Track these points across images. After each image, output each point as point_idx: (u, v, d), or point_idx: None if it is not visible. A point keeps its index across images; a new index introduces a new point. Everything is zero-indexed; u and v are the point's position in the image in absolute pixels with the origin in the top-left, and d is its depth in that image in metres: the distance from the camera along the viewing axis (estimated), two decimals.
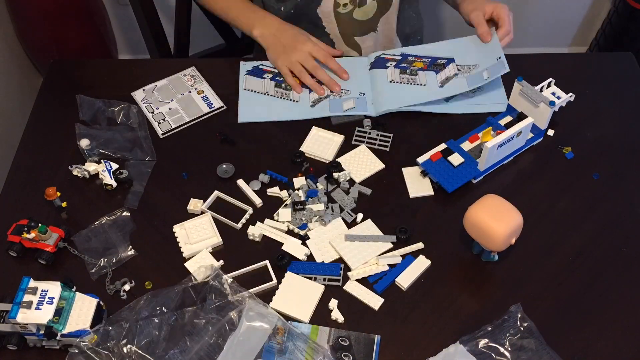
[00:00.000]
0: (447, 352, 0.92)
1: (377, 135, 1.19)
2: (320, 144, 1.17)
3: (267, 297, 0.98)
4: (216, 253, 1.04)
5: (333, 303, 0.97)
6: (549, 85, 1.19)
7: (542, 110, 1.14)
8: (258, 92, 1.26)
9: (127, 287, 0.99)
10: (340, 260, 1.02)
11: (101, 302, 0.94)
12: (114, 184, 1.10)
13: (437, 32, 2.33)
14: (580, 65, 1.34)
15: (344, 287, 0.99)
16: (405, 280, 0.99)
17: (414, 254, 1.03)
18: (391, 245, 1.04)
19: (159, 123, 1.20)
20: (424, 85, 1.23)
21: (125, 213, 1.08)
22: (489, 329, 0.93)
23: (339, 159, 1.15)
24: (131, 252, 1.04)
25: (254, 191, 1.09)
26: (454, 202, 1.09)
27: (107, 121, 1.21)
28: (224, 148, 1.18)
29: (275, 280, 1.00)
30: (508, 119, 1.16)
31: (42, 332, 0.89)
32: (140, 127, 1.20)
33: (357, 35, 1.37)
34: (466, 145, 1.13)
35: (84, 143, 1.16)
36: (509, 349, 0.91)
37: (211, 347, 0.91)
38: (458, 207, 1.05)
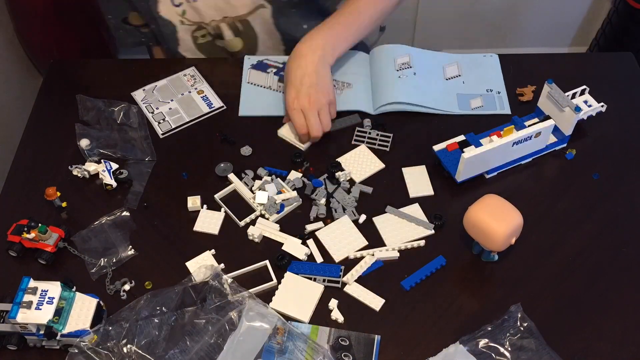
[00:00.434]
0: (447, 352, 0.92)
1: (377, 135, 1.19)
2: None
3: (267, 297, 0.98)
4: (217, 253, 1.04)
5: (333, 303, 0.97)
6: (582, 93, 1.18)
7: (567, 116, 1.11)
8: (261, 86, 1.26)
9: (127, 287, 0.99)
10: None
11: (101, 302, 0.94)
12: (114, 184, 1.11)
13: None
14: (580, 65, 1.34)
15: (344, 289, 0.99)
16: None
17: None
18: (431, 232, 1.05)
19: (159, 123, 1.20)
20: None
21: (125, 213, 1.08)
22: (489, 329, 0.93)
23: (338, 159, 1.15)
24: (131, 252, 1.04)
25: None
26: (454, 202, 1.09)
27: (107, 121, 1.21)
28: (224, 148, 1.18)
29: (275, 280, 1.00)
30: (534, 120, 1.15)
31: (42, 332, 0.89)
32: (140, 127, 1.20)
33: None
34: (486, 141, 1.11)
35: (84, 143, 1.16)
36: (509, 349, 0.91)
37: (211, 347, 0.91)
38: (458, 207, 1.05)
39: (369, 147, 1.17)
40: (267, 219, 1.07)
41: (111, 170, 1.11)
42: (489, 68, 1.29)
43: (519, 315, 0.94)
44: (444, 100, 1.22)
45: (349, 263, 1.03)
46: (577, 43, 2.43)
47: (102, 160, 1.13)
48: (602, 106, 1.16)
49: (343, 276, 1.00)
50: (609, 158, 1.15)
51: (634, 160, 1.16)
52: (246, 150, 1.17)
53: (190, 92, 1.26)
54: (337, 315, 0.96)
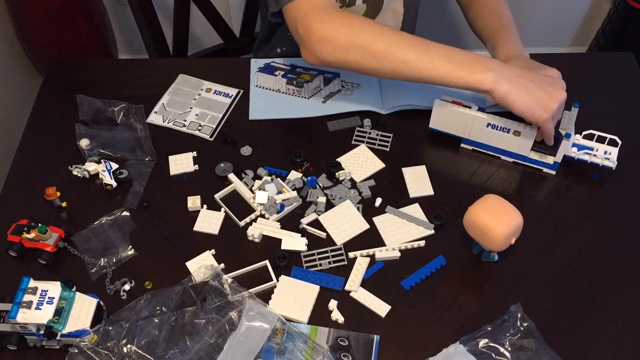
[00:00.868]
0: (447, 352, 0.92)
1: (377, 135, 1.19)
2: None
3: (267, 297, 0.98)
4: (217, 253, 1.04)
5: (333, 304, 0.97)
6: (613, 144, 1.10)
7: (563, 145, 1.09)
8: (270, 89, 1.26)
9: (127, 287, 0.99)
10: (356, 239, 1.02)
11: (101, 302, 0.94)
12: (114, 184, 1.10)
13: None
14: (580, 65, 1.34)
15: (350, 295, 0.99)
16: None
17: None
18: (431, 232, 1.05)
19: (199, 130, 1.20)
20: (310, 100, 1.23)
21: (125, 213, 1.08)
22: (489, 329, 0.93)
23: (339, 159, 1.15)
24: (131, 252, 1.04)
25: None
26: (454, 201, 1.09)
27: (107, 121, 1.21)
28: (225, 148, 1.18)
29: (275, 280, 1.00)
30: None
31: (42, 332, 0.89)
32: (140, 127, 1.20)
33: None
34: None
35: (84, 143, 1.16)
36: (509, 349, 0.91)
37: (211, 347, 0.91)
38: (458, 207, 1.05)
39: (369, 147, 1.17)
40: (267, 218, 1.07)
41: (111, 170, 1.11)
42: None
43: (519, 315, 0.93)
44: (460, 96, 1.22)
45: (351, 244, 1.04)
46: (577, 43, 2.43)
47: (102, 160, 1.13)
48: (614, 164, 1.10)
49: (345, 284, 1.00)
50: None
51: (634, 160, 1.15)
52: (246, 150, 1.17)
53: (199, 94, 1.26)
54: (337, 315, 0.96)
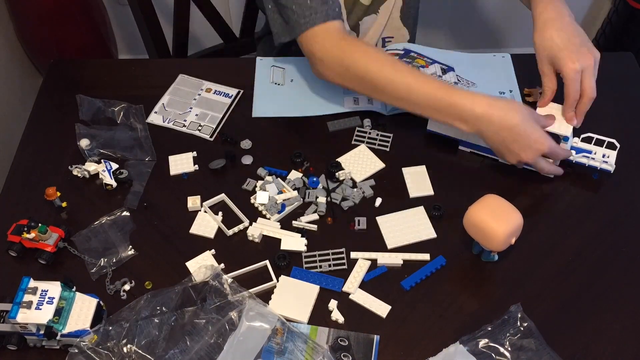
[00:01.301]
0: (447, 352, 0.92)
1: (377, 135, 1.19)
2: None
3: (267, 297, 0.98)
4: (216, 253, 1.04)
5: (333, 304, 0.97)
6: (612, 147, 1.10)
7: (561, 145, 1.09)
8: (277, 85, 1.26)
9: (127, 287, 0.99)
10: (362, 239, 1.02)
11: (101, 302, 0.94)
12: (114, 184, 1.10)
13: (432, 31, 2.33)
14: None
15: (350, 297, 0.99)
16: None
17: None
18: (433, 236, 1.05)
19: (199, 130, 1.20)
20: None
21: (125, 213, 1.08)
22: (489, 329, 0.93)
23: (339, 159, 1.15)
24: (131, 252, 1.04)
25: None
26: (454, 201, 1.09)
27: (107, 121, 1.21)
28: (225, 148, 1.17)
29: (275, 280, 1.00)
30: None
31: (42, 332, 0.89)
32: (140, 127, 1.20)
33: (359, 17, 1.33)
34: None
35: (84, 143, 1.16)
36: (509, 349, 0.91)
37: (211, 347, 0.91)
38: (458, 207, 1.05)
39: (369, 147, 1.17)
40: (269, 219, 1.07)
41: (111, 170, 1.11)
42: (500, 68, 1.29)
43: (519, 315, 0.93)
44: None
45: (353, 246, 1.04)
46: None
47: (102, 160, 1.13)
48: (612, 167, 1.10)
49: (343, 285, 1.00)
50: None
51: (634, 160, 1.15)
52: (246, 144, 1.17)
53: (199, 94, 1.26)
54: (337, 315, 0.96)
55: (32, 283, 0.90)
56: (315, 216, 1.07)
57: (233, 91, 1.27)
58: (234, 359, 0.90)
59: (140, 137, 1.18)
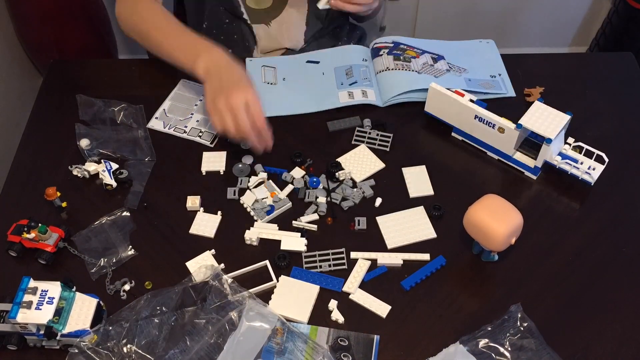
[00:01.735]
0: (447, 352, 0.92)
1: (377, 135, 1.19)
2: None
3: (267, 297, 0.98)
4: (216, 253, 1.04)
5: (333, 304, 0.97)
6: (600, 160, 1.09)
7: (543, 149, 1.08)
8: (272, 84, 1.26)
9: (127, 287, 0.99)
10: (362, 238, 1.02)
11: (101, 302, 0.94)
12: (114, 184, 1.10)
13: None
14: (580, 65, 1.34)
15: (350, 297, 0.99)
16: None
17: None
18: (433, 236, 1.05)
19: (200, 136, 1.19)
20: (419, 73, 1.24)
21: (125, 213, 1.08)
22: (489, 329, 0.93)
23: (338, 159, 1.15)
24: (131, 252, 1.04)
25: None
26: (454, 201, 1.09)
27: (107, 121, 1.21)
28: (226, 148, 1.17)
29: (275, 280, 1.00)
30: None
31: (42, 332, 0.89)
32: (140, 127, 1.20)
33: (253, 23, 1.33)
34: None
35: (84, 143, 1.16)
36: (509, 349, 0.91)
37: (211, 347, 0.91)
38: (458, 207, 1.05)
39: (368, 147, 1.17)
40: (256, 220, 1.07)
41: (111, 170, 1.11)
42: (487, 53, 1.32)
43: (519, 315, 0.93)
44: (450, 81, 1.23)
45: (353, 246, 1.04)
46: (577, 43, 2.43)
47: (102, 160, 1.13)
48: (593, 180, 1.09)
49: (344, 285, 1.00)
50: (608, 158, 1.15)
51: (634, 160, 1.15)
52: (246, 144, 1.17)
53: (201, 99, 1.26)
54: (337, 315, 0.96)
55: (32, 283, 0.90)
56: (315, 216, 1.07)
57: None
58: (234, 359, 0.90)
59: (140, 138, 1.18)
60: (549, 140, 1.05)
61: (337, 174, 1.11)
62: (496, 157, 1.15)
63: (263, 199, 1.08)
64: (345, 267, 1.02)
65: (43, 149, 1.18)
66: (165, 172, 1.14)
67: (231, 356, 0.90)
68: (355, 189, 1.11)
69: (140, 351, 0.90)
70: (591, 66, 1.33)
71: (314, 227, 1.06)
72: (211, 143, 1.19)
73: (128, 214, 1.08)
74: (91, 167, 1.12)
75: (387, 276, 1.01)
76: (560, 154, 1.11)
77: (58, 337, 0.90)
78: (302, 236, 1.04)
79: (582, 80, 1.28)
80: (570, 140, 1.11)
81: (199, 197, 1.09)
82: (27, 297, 0.89)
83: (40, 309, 0.88)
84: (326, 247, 1.04)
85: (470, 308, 0.97)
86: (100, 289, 0.99)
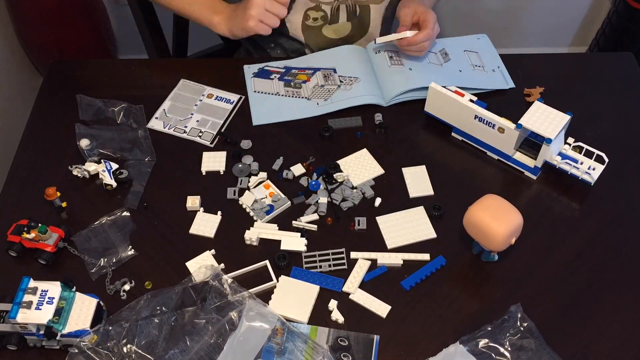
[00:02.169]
0: (447, 352, 0.92)
1: (378, 131, 1.19)
2: None
3: (267, 297, 0.98)
4: (216, 253, 1.04)
5: (333, 304, 0.97)
6: (600, 160, 1.09)
7: (543, 150, 1.07)
8: (268, 93, 1.25)
9: (127, 287, 0.99)
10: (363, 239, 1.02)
11: (101, 302, 0.94)
12: (114, 184, 1.10)
13: None
14: (580, 65, 1.34)
15: (350, 297, 0.99)
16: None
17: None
18: (433, 236, 1.05)
19: (200, 137, 1.19)
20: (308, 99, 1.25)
21: (125, 213, 1.08)
22: (489, 329, 0.93)
23: (339, 161, 1.15)
24: (131, 252, 1.04)
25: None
26: (454, 201, 1.09)
27: (107, 121, 1.21)
28: (226, 148, 1.17)
29: (275, 280, 1.00)
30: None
31: (42, 332, 0.89)
32: (140, 127, 1.20)
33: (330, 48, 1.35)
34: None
35: (84, 143, 1.16)
36: (509, 349, 0.91)
37: (211, 347, 0.91)
38: (458, 207, 1.05)
39: (369, 149, 1.17)
40: (256, 220, 1.07)
41: (111, 170, 1.11)
42: (483, 48, 1.33)
43: (519, 315, 0.93)
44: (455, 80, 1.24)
45: (353, 246, 1.04)
46: (577, 43, 2.43)
47: (102, 160, 1.13)
48: (593, 180, 1.09)
49: (343, 285, 1.00)
50: (609, 158, 1.15)
51: (634, 160, 1.15)
52: (246, 144, 1.17)
53: (201, 99, 1.26)
54: (337, 315, 0.96)
55: (32, 283, 0.90)
56: (315, 216, 1.07)
57: (234, 97, 1.26)
58: (234, 359, 0.90)
59: (140, 137, 1.18)
60: (549, 140, 1.05)
61: (334, 175, 1.11)
62: (496, 157, 1.15)
63: (262, 199, 1.08)
64: (345, 267, 1.02)
65: (43, 149, 1.18)
66: (165, 172, 1.14)
67: (231, 356, 0.90)
68: (355, 190, 1.10)
69: (140, 351, 0.90)
70: (591, 66, 1.33)
71: (314, 227, 1.06)
72: (211, 143, 1.19)
73: (128, 214, 1.08)
74: (91, 167, 1.12)
75: (387, 276, 1.01)
76: (560, 154, 1.11)
77: (58, 337, 0.90)
78: (302, 236, 1.04)
79: (582, 80, 1.28)
80: (570, 140, 1.11)
81: (199, 197, 1.09)
82: (27, 297, 0.89)
83: (40, 309, 0.88)
84: (326, 247, 1.04)
85: (470, 308, 0.97)
86: (100, 289, 0.99)
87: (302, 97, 1.24)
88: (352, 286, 0.99)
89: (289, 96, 1.25)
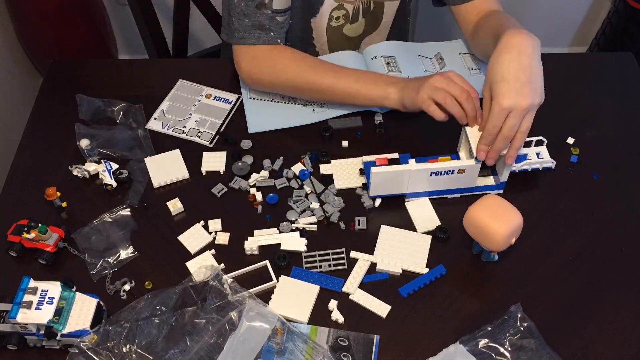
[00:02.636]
0: (447, 352, 0.92)
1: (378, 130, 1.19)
2: None
3: (267, 297, 0.98)
4: (217, 253, 1.04)
5: (333, 304, 0.97)
6: (539, 144, 1.09)
7: (503, 161, 1.05)
8: (264, 100, 1.24)
9: (127, 287, 0.99)
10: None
11: (101, 302, 0.94)
12: (114, 184, 1.10)
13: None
14: (580, 65, 1.34)
15: (350, 297, 0.98)
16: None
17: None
18: (424, 271, 1.01)
19: (199, 137, 1.19)
20: None
21: (126, 212, 1.08)
22: (489, 329, 0.93)
23: (333, 161, 1.14)
24: (131, 252, 1.04)
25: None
26: (454, 202, 1.09)
27: (106, 121, 1.21)
28: (226, 148, 1.17)
29: (275, 280, 1.00)
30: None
31: (42, 332, 0.89)
32: (140, 127, 1.20)
33: (341, 50, 1.34)
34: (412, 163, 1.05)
35: (84, 143, 1.16)
36: (509, 349, 0.91)
37: (211, 347, 0.91)
38: (457, 207, 1.05)
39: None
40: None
41: (111, 170, 1.11)
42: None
43: (519, 315, 0.93)
44: None
45: (354, 246, 1.03)
46: (577, 43, 2.43)
47: (102, 160, 1.13)
48: (552, 162, 1.10)
49: (343, 285, 1.00)
50: (609, 158, 1.15)
51: (634, 160, 1.16)
52: (246, 144, 1.17)
53: (199, 100, 1.26)
54: (337, 315, 0.96)
55: (32, 283, 0.90)
56: (313, 219, 1.07)
57: (233, 97, 1.26)
58: (234, 359, 0.90)
59: (140, 137, 1.18)
60: (522, 159, 1.04)
61: (321, 167, 1.12)
62: (458, 195, 1.10)
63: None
64: (345, 267, 1.02)
65: (43, 149, 1.18)
66: None
67: (231, 356, 0.90)
68: (337, 198, 1.09)
69: (140, 351, 0.90)
70: (591, 66, 1.33)
71: (314, 227, 1.06)
72: (210, 143, 1.19)
73: (129, 212, 1.08)
74: (91, 167, 1.12)
75: (387, 280, 1.01)
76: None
77: (58, 337, 0.90)
78: (301, 236, 1.04)
79: (582, 80, 1.28)
80: (570, 140, 1.10)
81: (177, 198, 1.09)
82: (27, 297, 0.89)
83: (40, 309, 0.88)
84: (326, 247, 1.04)
85: (470, 308, 0.97)
86: (100, 289, 0.99)
87: (298, 104, 1.23)
88: (352, 286, 0.99)
89: (285, 102, 1.24)
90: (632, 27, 2.09)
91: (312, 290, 0.98)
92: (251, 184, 1.11)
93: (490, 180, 1.10)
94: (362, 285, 1.00)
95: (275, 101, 1.24)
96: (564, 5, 2.26)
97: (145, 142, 1.18)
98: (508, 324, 0.93)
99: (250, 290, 0.97)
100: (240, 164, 1.14)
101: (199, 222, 1.06)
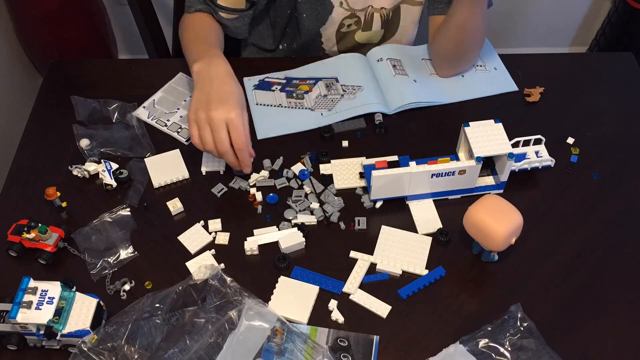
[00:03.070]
0: (447, 352, 0.92)
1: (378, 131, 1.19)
2: None
3: (266, 296, 0.98)
4: (217, 253, 1.04)
5: (333, 304, 0.97)
6: (538, 142, 1.10)
7: (502, 161, 1.06)
8: (270, 105, 1.24)
9: (127, 287, 0.99)
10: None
11: (101, 302, 0.94)
12: (114, 184, 1.10)
13: None
14: (580, 65, 1.34)
15: (350, 297, 0.98)
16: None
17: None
18: (424, 272, 1.01)
19: (178, 132, 1.19)
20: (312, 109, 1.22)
21: (126, 211, 1.08)
22: (489, 329, 0.93)
23: (333, 161, 1.14)
24: (132, 252, 1.04)
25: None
26: (454, 202, 1.09)
27: (103, 120, 1.21)
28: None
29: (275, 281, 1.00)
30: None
31: (42, 332, 0.89)
32: (137, 125, 1.19)
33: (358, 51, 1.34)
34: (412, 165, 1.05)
35: (84, 143, 1.16)
36: (509, 349, 0.91)
37: (211, 347, 0.91)
38: (458, 208, 1.05)
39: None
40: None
41: (111, 170, 1.11)
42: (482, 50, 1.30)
43: (519, 315, 0.93)
44: (461, 92, 1.24)
45: (354, 245, 1.03)
46: (577, 43, 2.43)
47: (102, 160, 1.13)
48: (552, 161, 1.11)
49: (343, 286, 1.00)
50: (609, 158, 1.15)
51: (634, 160, 1.16)
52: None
53: (191, 96, 1.25)
54: (337, 315, 0.96)
55: (32, 283, 0.90)
56: (313, 218, 1.07)
57: None
58: (233, 359, 0.90)
59: (138, 134, 1.18)
60: (511, 155, 1.03)
61: (320, 167, 1.12)
62: (459, 196, 1.10)
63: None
64: (345, 267, 1.01)
65: (43, 149, 1.18)
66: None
67: (230, 355, 0.90)
68: (337, 198, 1.10)
69: (140, 351, 0.90)
70: (591, 66, 1.33)
71: (314, 221, 1.06)
72: (187, 141, 1.18)
73: (129, 212, 1.08)
74: (91, 167, 1.12)
75: (387, 280, 1.01)
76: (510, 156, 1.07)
77: (58, 337, 0.90)
78: (299, 230, 1.04)
79: (582, 80, 1.28)
80: (570, 140, 1.10)
81: (177, 198, 1.09)
82: (27, 297, 0.89)
83: (40, 309, 0.88)
84: (326, 247, 1.04)
85: (470, 308, 0.97)
86: (100, 289, 0.99)
87: (306, 108, 1.23)
88: (352, 286, 0.99)
89: (292, 107, 1.23)
90: (632, 27, 2.09)
91: (311, 291, 0.98)
92: (251, 184, 1.12)
93: (490, 180, 1.10)
94: (362, 286, 1.00)
95: (282, 106, 1.23)
96: (564, 5, 2.26)
97: (143, 139, 1.17)
98: (508, 324, 0.93)
99: (250, 290, 0.97)
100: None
101: (199, 222, 1.06)
